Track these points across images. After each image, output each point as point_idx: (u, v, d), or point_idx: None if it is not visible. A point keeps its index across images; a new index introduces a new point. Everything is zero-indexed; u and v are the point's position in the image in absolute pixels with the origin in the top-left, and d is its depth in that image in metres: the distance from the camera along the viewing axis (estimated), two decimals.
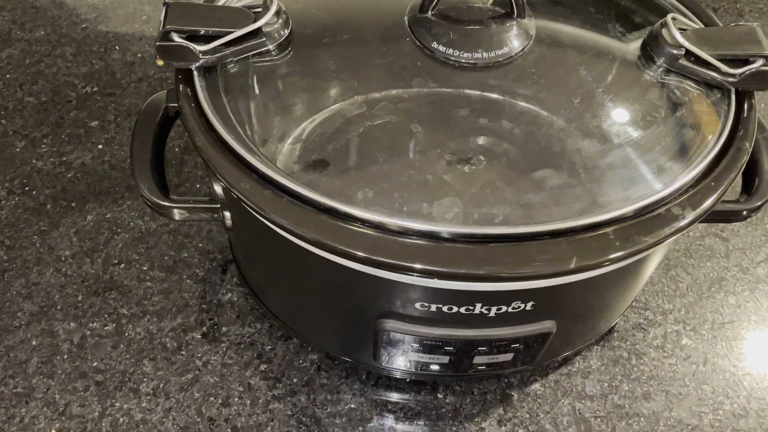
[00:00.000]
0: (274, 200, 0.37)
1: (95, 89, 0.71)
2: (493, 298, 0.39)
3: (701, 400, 0.52)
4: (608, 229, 0.36)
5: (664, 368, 0.54)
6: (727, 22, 0.81)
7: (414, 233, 0.35)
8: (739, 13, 0.84)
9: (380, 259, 0.35)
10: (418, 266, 0.34)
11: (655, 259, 0.46)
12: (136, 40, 0.76)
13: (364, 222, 0.36)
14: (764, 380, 0.53)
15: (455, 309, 0.40)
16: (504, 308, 0.40)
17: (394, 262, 0.35)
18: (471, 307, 0.40)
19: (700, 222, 0.54)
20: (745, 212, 0.48)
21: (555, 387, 0.52)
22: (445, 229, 0.35)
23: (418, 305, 0.40)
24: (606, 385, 0.53)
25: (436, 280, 0.36)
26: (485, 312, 0.40)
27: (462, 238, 0.35)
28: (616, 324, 0.56)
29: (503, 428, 0.50)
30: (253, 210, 0.37)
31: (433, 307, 0.40)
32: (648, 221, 0.37)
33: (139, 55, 0.74)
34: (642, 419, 0.51)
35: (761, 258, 0.61)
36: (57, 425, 0.49)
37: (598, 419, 0.51)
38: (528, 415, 0.51)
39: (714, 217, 0.49)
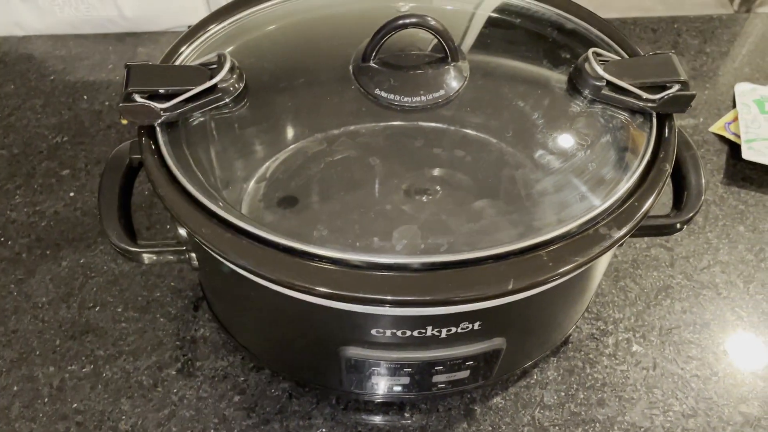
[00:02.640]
0: (234, 242, 0.39)
1: (65, 139, 0.73)
2: (442, 320, 0.42)
3: (652, 403, 0.55)
4: (542, 251, 0.40)
5: (617, 375, 0.57)
6: (667, 41, 0.87)
7: (366, 266, 0.38)
8: (677, 32, 0.89)
9: (335, 291, 0.38)
10: (368, 296, 0.38)
11: (595, 274, 0.50)
12: (104, 88, 0.79)
13: (320, 258, 0.39)
14: (710, 381, 0.57)
15: (408, 333, 0.43)
16: (453, 329, 0.43)
17: (347, 294, 0.38)
18: (423, 330, 0.43)
19: (642, 236, 0.58)
20: (678, 225, 0.52)
21: (515, 399, 0.56)
22: (395, 260, 0.39)
23: (374, 332, 0.43)
24: (563, 394, 0.56)
25: (387, 307, 0.40)
26: (436, 334, 0.43)
27: (410, 268, 0.39)
28: (570, 335, 0.59)
29: None
30: (215, 252, 0.40)
31: (388, 333, 0.43)
32: (578, 241, 0.40)
33: (106, 103, 0.77)
34: (597, 424, 0.54)
35: (704, 265, 0.65)
36: None
37: (556, 427, 0.54)
38: (490, 428, 0.54)
39: (650, 231, 0.53)
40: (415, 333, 0.43)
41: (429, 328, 0.43)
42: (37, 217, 0.66)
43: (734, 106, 0.78)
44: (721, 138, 0.76)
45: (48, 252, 0.64)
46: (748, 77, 0.83)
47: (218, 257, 0.41)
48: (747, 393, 0.56)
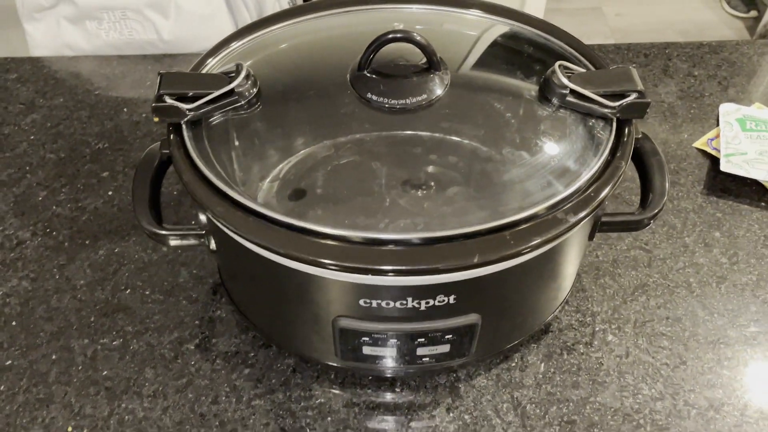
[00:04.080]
0: (243, 219, 0.47)
1: (106, 145, 0.82)
2: (420, 292, 0.48)
3: (623, 387, 0.60)
4: (506, 232, 0.46)
5: (592, 361, 0.62)
6: (657, 65, 0.93)
7: (354, 240, 0.45)
8: (668, 57, 0.95)
9: (325, 261, 0.45)
10: (353, 265, 0.44)
11: (561, 260, 0.55)
12: (142, 102, 0.88)
13: (312, 233, 0.46)
14: (678, 369, 0.62)
15: (392, 304, 0.49)
16: (431, 302, 0.49)
17: (335, 263, 0.45)
18: (404, 302, 0.49)
19: (613, 231, 0.63)
20: (645, 220, 0.57)
21: (497, 380, 0.61)
22: (377, 236, 0.45)
23: (361, 302, 0.49)
24: (541, 376, 0.61)
25: (370, 276, 0.46)
26: (416, 305, 0.49)
27: (391, 243, 0.45)
28: (551, 325, 0.65)
29: (451, 414, 0.59)
30: (225, 227, 0.48)
31: (374, 303, 0.49)
32: (538, 224, 0.47)
33: (144, 115, 0.86)
34: (571, 404, 0.59)
35: (680, 266, 0.70)
36: (72, 424, 0.58)
37: (533, 405, 0.59)
38: (473, 404, 0.59)
39: (619, 226, 0.59)
40: (398, 304, 0.49)
41: (409, 299, 0.49)
42: (79, 211, 0.75)
43: (718, 124, 0.83)
44: (704, 153, 0.81)
45: (87, 242, 0.72)
46: (733, 98, 0.88)
47: (231, 234, 0.48)
48: (713, 380, 0.61)
